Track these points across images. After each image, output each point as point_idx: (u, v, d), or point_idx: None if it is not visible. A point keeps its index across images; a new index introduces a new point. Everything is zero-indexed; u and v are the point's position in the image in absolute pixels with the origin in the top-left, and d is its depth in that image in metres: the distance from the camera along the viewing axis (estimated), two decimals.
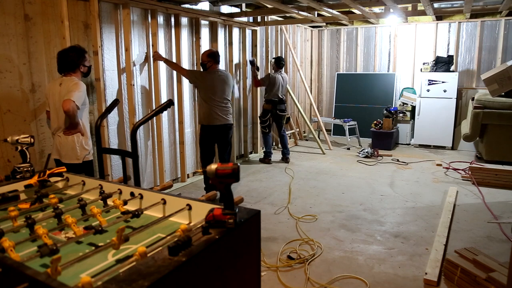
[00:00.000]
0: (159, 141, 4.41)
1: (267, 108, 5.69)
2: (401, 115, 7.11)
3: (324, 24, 7.95)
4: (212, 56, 4.08)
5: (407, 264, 2.81)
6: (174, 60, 4.55)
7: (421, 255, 2.95)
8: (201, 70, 4.22)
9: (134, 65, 4.03)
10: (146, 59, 4.20)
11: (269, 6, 4.98)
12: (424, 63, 6.90)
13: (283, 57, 7.08)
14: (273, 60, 5.80)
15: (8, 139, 2.06)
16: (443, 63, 6.71)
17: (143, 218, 1.54)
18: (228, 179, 1.26)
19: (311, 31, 8.23)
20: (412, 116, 7.13)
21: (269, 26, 6.45)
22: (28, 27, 3.08)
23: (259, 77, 5.79)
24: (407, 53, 7.48)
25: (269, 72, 5.79)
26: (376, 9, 5.98)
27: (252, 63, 5.71)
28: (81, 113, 2.93)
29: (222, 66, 5.44)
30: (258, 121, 6.04)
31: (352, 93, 7.96)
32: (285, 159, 5.93)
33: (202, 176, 5.11)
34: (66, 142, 2.93)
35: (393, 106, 7.37)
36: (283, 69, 5.99)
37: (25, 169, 1.96)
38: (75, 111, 2.82)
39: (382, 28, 7.68)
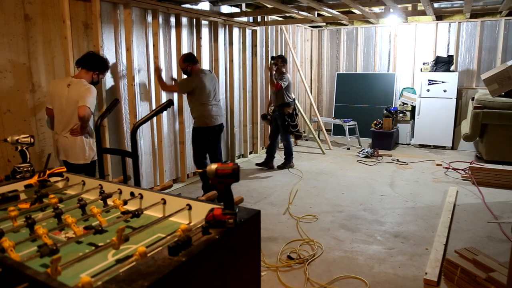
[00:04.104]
0: (159, 141, 4.41)
1: (291, 111, 5.31)
2: (401, 115, 7.11)
3: (324, 24, 7.95)
4: (188, 59, 4.01)
5: (407, 264, 2.81)
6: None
7: (421, 255, 2.95)
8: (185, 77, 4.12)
9: (135, 65, 4.03)
10: (147, 59, 4.20)
11: (269, 6, 4.98)
12: (424, 63, 6.90)
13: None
14: (279, 59, 5.26)
15: (8, 139, 2.06)
16: (443, 63, 6.71)
17: (143, 218, 1.54)
18: (228, 179, 1.26)
19: (311, 31, 8.23)
20: (412, 116, 7.13)
21: (269, 26, 6.45)
22: (28, 27, 3.08)
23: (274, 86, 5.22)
24: (407, 53, 7.48)
25: (284, 73, 5.26)
26: (376, 9, 5.97)
27: (264, 117, 5.70)
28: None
29: (222, 65, 5.45)
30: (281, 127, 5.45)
31: (352, 93, 7.96)
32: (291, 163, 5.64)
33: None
34: (74, 143, 2.97)
35: (393, 106, 7.37)
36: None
37: (25, 169, 1.96)
38: (90, 117, 2.94)
39: (382, 28, 7.67)
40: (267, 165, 5.57)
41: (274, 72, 5.24)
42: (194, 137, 4.16)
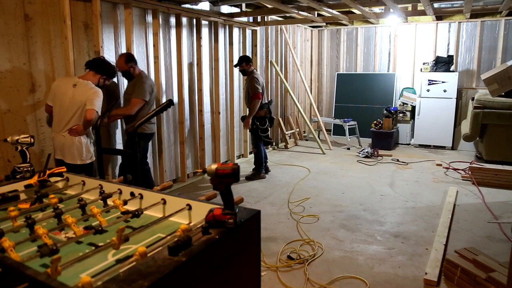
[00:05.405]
0: (159, 141, 4.41)
1: (263, 114, 4.92)
2: (401, 115, 7.11)
3: (324, 24, 7.95)
4: (131, 59, 3.61)
5: (407, 264, 2.81)
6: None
7: (421, 255, 2.95)
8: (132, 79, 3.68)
9: None
10: (147, 59, 4.20)
11: (269, 6, 4.98)
12: (424, 63, 6.90)
13: (283, 57, 7.09)
14: (243, 62, 4.86)
15: (8, 139, 2.06)
16: (443, 63, 6.71)
17: (143, 218, 1.54)
18: (228, 179, 1.26)
19: (311, 31, 8.23)
20: (412, 116, 7.13)
21: (269, 26, 6.45)
22: (28, 27, 3.08)
23: (250, 92, 4.84)
24: (407, 53, 7.48)
25: (253, 74, 4.86)
26: (376, 9, 5.97)
27: (244, 119, 5.03)
28: None
29: (222, 65, 5.45)
30: (254, 133, 5.06)
31: (352, 93, 7.96)
32: (266, 168, 5.31)
33: (202, 176, 5.10)
34: (71, 142, 2.96)
35: (393, 106, 7.37)
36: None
37: (25, 169, 1.96)
38: (96, 121, 2.98)
39: (382, 28, 7.67)
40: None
41: (248, 88, 4.87)
42: (139, 147, 3.58)
